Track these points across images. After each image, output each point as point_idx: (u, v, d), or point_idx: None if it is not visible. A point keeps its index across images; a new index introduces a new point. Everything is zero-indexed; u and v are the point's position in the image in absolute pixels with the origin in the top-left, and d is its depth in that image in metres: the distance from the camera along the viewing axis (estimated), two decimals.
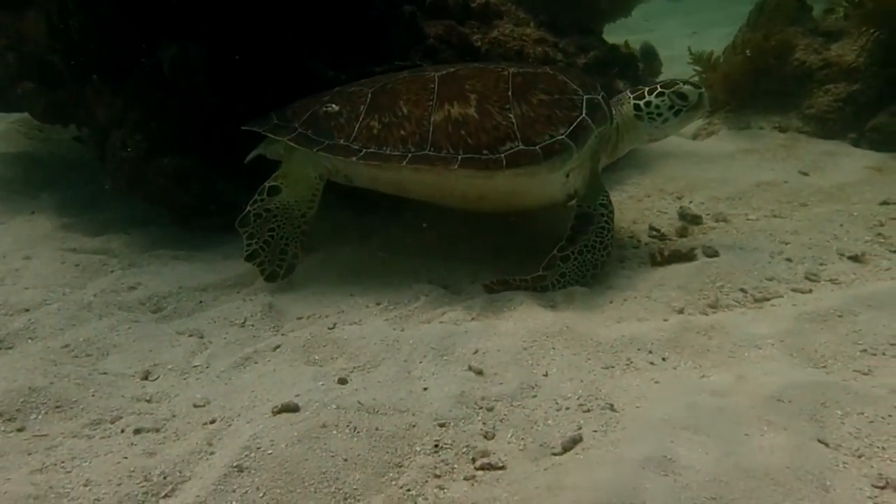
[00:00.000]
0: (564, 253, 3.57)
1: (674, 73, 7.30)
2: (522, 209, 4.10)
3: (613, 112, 3.81)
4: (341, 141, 3.57)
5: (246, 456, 2.26)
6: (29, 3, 4.53)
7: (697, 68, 6.49)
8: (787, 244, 3.99)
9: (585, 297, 3.49)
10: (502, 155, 3.46)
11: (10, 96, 4.96)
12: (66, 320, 3.31)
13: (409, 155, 3.48)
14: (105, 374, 2.90)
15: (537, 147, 3.48)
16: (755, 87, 6.11)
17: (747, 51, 6.12)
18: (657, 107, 3.81)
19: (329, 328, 3.25)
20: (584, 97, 3.64)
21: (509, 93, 3.60)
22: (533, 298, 3.46)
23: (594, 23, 5.97)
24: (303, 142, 3.61)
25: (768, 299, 3.41)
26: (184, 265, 4.07)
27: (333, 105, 3.69)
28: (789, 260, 3.78)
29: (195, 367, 2.99)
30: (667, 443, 2.26)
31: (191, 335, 3.25)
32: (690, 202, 4.81)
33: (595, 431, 2.44)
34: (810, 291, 3.44)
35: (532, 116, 3.55)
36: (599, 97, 3.70)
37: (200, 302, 3.64)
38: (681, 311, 3.33)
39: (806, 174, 5.25)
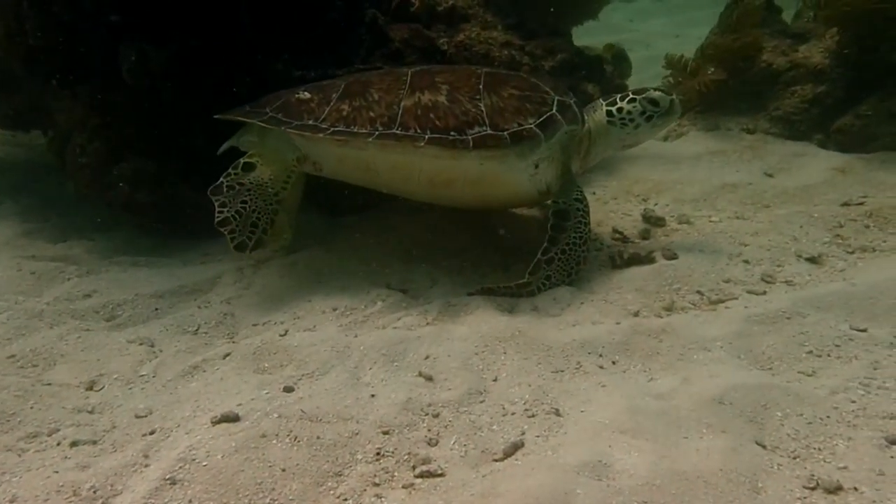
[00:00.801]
0: (548, 255, 3.57)
1: (650, 73, 7.34)
2: (494, 203, 4.08)
3: (586, 118, 3.85)
4: (310, 121, 3.60)
5: (180, 468, 2.23)
6: None
7: (670, 71, 6.49)
8: (746, 246, 3.99)
9: (542, 302, 3.48)
10: (469, 137, 3.48)
11: None
12: (15, 330, 3.27)
13: (377, 132, 3.50)
14: (49, 384, 2.86)
15: (505, 133, 3.51)
16: (725, 88, 6.12)
17: (710, 69, 6.14)
18: (629, 112, 3.84)
19: (280, 335, 3.23)
20: (556, 98, 3.69)
21: (480, 86, 3.65)
22: (490, 302, 3.45)
23: (562, 25, 5.96)
24: (273, 123, 3.64)
25: (723, 301, 3.41)
26: (143, 271, 4.04)
27: (305, 92, 3.73)
28: (747, 262, 3.79)
29: (142, 376, 2.96)
30: (604, 447, 2.25)
31: (141, 343, 3.22)
32: (655, 204, 4.82)
33: (538, 437, 2.43)
34: (764, 293, 3.44)
35: (501, 107, 3.59)
36: (571, 101, 3.74)
37: (156, 309, 3.61)
38: (636, 314, 3.33)
39: (771, 176, 5.27)
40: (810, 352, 2.83)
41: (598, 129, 3.91)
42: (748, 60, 6.10)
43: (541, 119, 3.58)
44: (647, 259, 3.83)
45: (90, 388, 2.87)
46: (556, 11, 5.77)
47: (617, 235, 4.29)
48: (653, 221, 4.47)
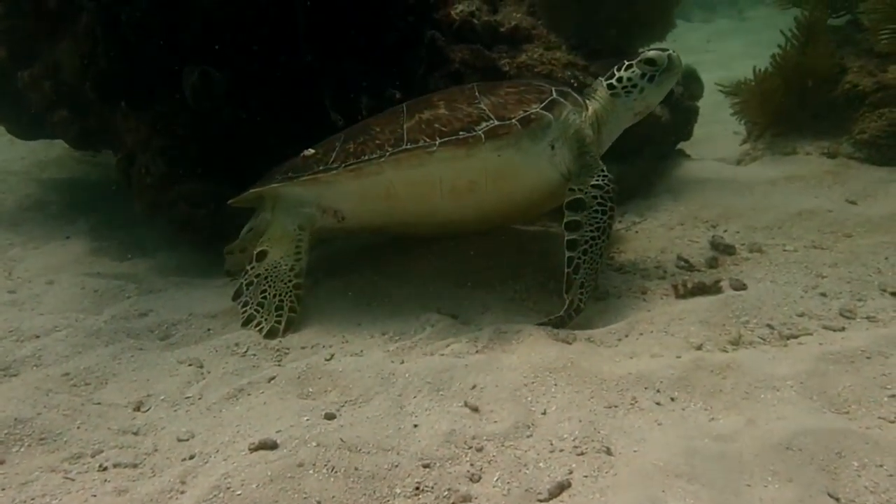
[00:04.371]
0: (574, 264, 3.44)
1: (721, 97, 7.05)
2: (524, 204, 3.92)
3: (588, 102, 3.86)
4: (321, 167, 3.65)
5: (214, 496, 2.18)
6: (63, 33, 4.66)
7: (737, 99, 6.25)
8: (823, 278, 3.73)
9: (598, 332, 3.33)
10: (479, 132, 3.48)
11: (47, 123, 5.10)
12: (72, 348, 3.31)
13: (388, 152, 3.52)
14: (98, 404, 2.87)
15: (512, 120, 3.52)
16: (800, 110, 5.83)
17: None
18: (629, 79, 3.80)
19: (326, 359, 3.17)
20: (553, 88, 3.73)
21: (476, 93, 3.71)
22: (543, 331, 3.32)
23: (629, 45, 5.80)
24: (286, 181, 3.72)
25: (796, 336, 3.18)
26: (199, 291, 4.07)
27: (310, 150, 3.79)
28: (824, 295, 3.54)
29: (187, 398, 2.94)
30: (657, 492, 2.09)
31: (190, 364, 3.21)
32: (724, 231, 4.58)
33: (586, 477, 2.28)
34: (843, 329, 3.19)
35: (502, 102, 3.63)
36: (568, 90, 3.79)
37: (209, 330, 3.61)
38: (699, 348, 3.13)
39: (854, 203, 4.94)
40: (893, 395, 2.58)
41: (605, 105, 3.88)
42: (823, 81, 5.81)
43: (543, 103, 3.60)
44: (714, 289, 3.62)
45: (137, 409, 2.87)
46: (622, 31, 5.61)
47: (682, 263, 4.09)
48: (721, 249, 4.24)
